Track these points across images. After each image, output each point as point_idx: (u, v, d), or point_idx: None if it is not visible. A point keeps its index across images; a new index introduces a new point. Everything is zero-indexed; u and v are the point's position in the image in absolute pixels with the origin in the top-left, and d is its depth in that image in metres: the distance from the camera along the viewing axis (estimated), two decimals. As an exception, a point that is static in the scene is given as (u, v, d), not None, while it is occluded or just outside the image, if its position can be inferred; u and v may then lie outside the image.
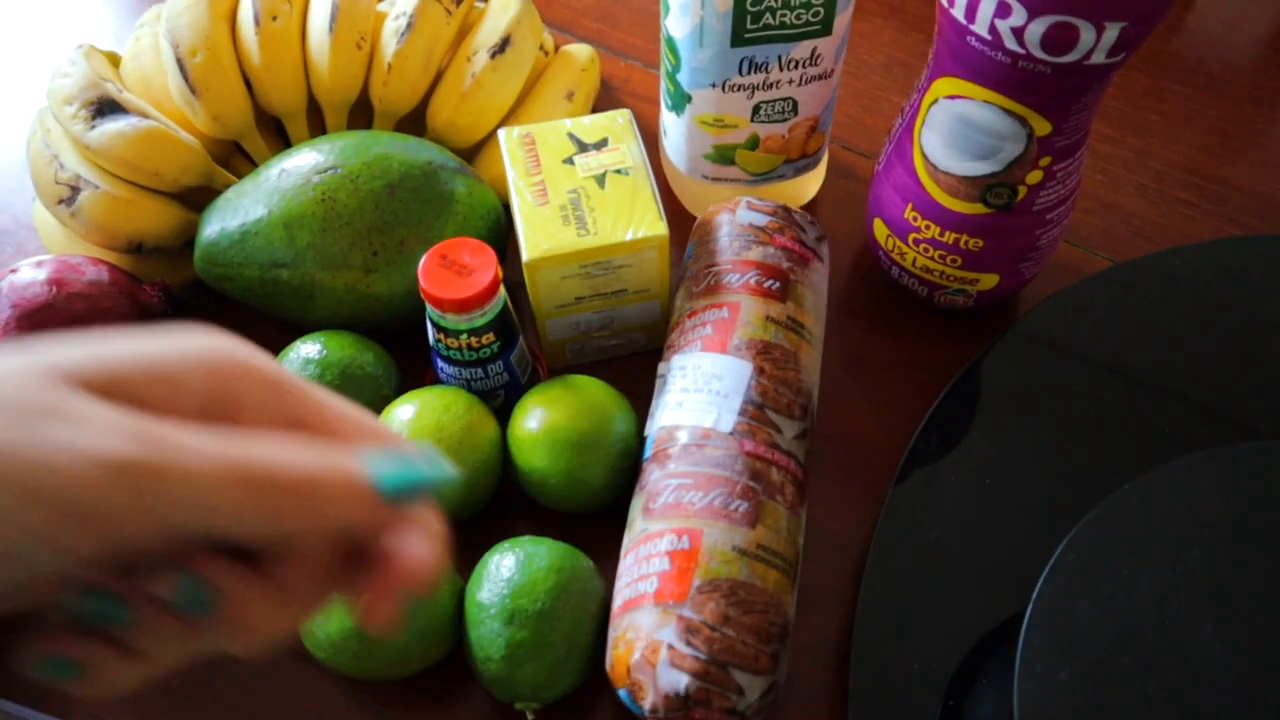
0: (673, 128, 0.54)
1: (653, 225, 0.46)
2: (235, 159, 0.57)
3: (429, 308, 0.44)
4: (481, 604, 0.40)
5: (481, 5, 0.60)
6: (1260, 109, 0.64)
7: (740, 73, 0.49)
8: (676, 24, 0.48)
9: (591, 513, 0.47)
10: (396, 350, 0.53)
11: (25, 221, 0.61)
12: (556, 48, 0.64)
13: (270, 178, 0.49)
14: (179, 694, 0.43)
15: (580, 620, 0.40)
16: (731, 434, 0.41)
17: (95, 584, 0.24)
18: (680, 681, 0.36)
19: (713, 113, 0.51)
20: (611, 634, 0.39)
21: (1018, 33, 0.39)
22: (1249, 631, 0.34)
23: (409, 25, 0.54)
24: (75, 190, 0.50)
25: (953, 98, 0.44)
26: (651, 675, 0.36)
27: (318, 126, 0.58)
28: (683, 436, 0.42)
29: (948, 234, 0.48)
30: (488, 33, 0.56)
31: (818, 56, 0.49)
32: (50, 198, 0.51)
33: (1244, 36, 0.68)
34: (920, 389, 0.52)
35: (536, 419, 0.44)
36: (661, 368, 0.45)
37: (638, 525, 0.41)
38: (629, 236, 0.45)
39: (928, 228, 0.48)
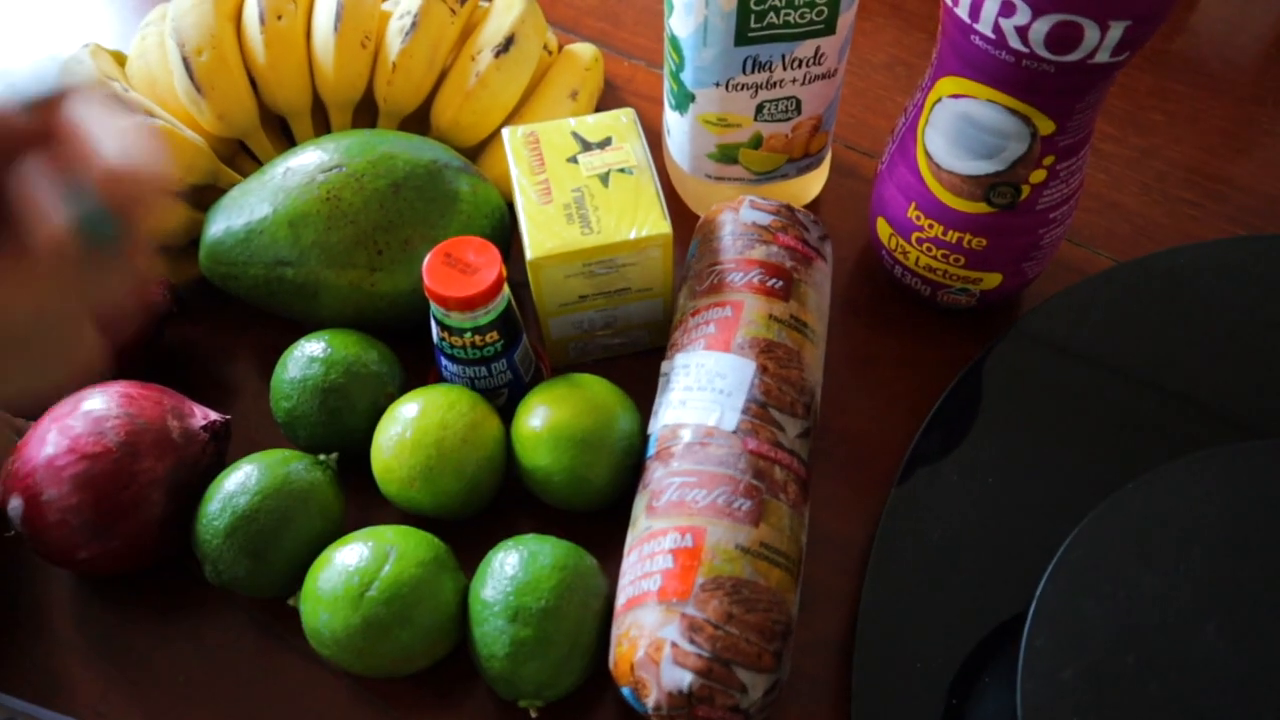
0: (676, 127, 0.54)
1: (656, 224, 0.46)
2: (240, 158, 0.57)
3: (433, 306, 0.44)
4: (485, 602, 0.40)
5: (485, 4, 0.60)
6: (1263, 109, 0.64)
7: (744, 72, 0.49)
8: (680, 23, 0.48)
9: (595, 511, 0.47)
10: (401, 348, 0.54)
11: (30, 220, 0.61)
12: (560, 47, 0.64)
13: (275, 176, 0.49)
14: (183, 691, 0.44)
15: (584, 618, 0.40)
16: (735, 432, 0.41)
17: None
18: (684, 679, 0.36)
19: (716, 112, 0.51)
20: (615, 632, 0.39)
21: (1022, 31, 0.39)
22: (1251, 630, 0.34)
23: (413, 24, 0.54)
24: (81, 189, 0.50)
25: (956, 97, 0.44)
26: (655, 673, 0.37)
27: (322, 125, 0.58)
28: (686, 435, 0.42)
29: (951, 233, 0.48)
30: (492, 32, 0.56)
31: (821, 56, 0.49)
32: (56, 196, 0.51)
33: (1247, 36, 0.68)
34: (922, 388, 0.52)
35: (540, 417, 0.44)
36: (665, 366, 0.45)
37: (641, 523, 0.41)
38: (633, 235, 0.46)
39: (931, 227, 0.49)
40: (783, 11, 0.46)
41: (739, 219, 0.48)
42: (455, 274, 0.43)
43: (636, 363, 0.53)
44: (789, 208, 0.49)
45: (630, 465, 0.45)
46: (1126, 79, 0.66)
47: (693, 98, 0.51)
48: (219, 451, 0.46)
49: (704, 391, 0.42)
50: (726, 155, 0.54)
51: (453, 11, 0.56)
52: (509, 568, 0.40)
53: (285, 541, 0.42)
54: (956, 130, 0.45)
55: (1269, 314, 0.51)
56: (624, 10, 0.71)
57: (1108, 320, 0.52)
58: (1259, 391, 0.49)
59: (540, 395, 0.45)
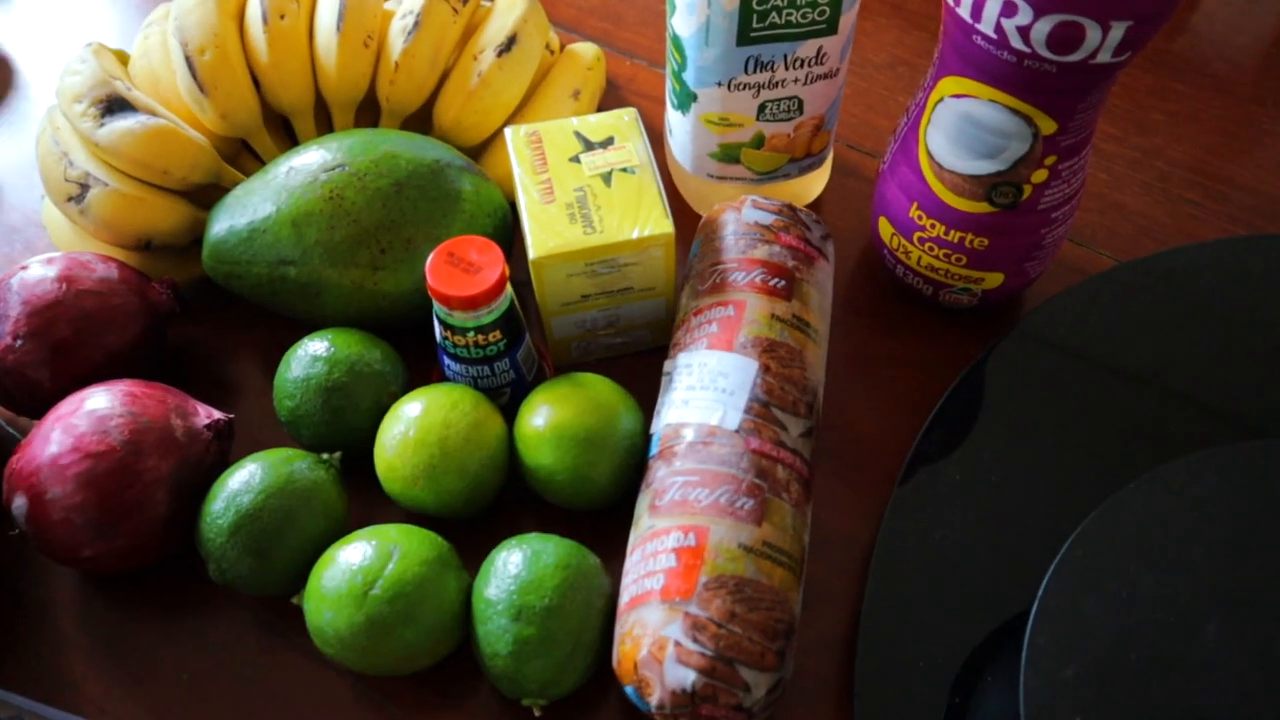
0: (678, 126, 0.54)
1: (659, 223, 0.46)
2: (243, 157, 0.58)
3: (436, 305, 0.44)
4: (489, 600, 0.40)
5: (487, 4, 0.60)
6: (1265, 108, 0.64)
7: (746, 71, 0.49)
8: (683, 23, 0.49)
9: (597, 510, 0.47)
10: (403, 348, 0.54)
11: (34, 219, 0.61)
12: (562, 46, 0.65)
13: (278, 176, 0.49)
14: (186, 689, 0.44)
15: (587, 617, 0.40)
16: (737, 432, 0.41)
17: None
18: (687, 678, 0.36)
19: (718, 111, 0.51)
20: (618, 631, 0.39)
21: (1023, 32, 0.39)
22: (1253, 629, 0.34)
23: (416, 24, 0.54)
24: (84, 188, 0.50)
25: (958, 96, 0.44)
26: (658, 672, 0.37)
27: (325, 125, 0.59)
28: (689, 434, 0.42)
29: (953, 233, 0.48)
30: (494, 31, 0.56)
31: (823, 55, 0.49)
32: (59, 195, 0.51)
33: (1248, 36, 0.69)
34: (924, 387, 0.52)
35: (543, 416, 0.44)
36: (667, 365, 0.46)
37: (644, 522, 0.41)
38: (635, 235, 0.46)
39: (933, 226, 0.49)
40: (785, 11, 0.46)
41: (741, 218, 0.48)
42: (458, 273, 0.43)
43: (639, 362, 0.53)
44: (791, 207, 0.49)
45: (633, 464, 0.45)
46: (1128, 79, 0.66)
47: (695, 97, 0.51)
48: (222, 450, 0.46)
49: (707, 391, 0.43)
50: (728, 155, 0.54)
51: (455, 11, 0.56)
52: (512, 566, 0.41)
53: (289, 540, 0.42)
54: (958, 130, 0.45)
55: (1270, 314, 0.51)
56: (625, 10, 0.71)
57: (1109, 320, 0.52)
58: (1260, 391, 0.49)
59: (543, 394, 0.45)
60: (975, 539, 0.45)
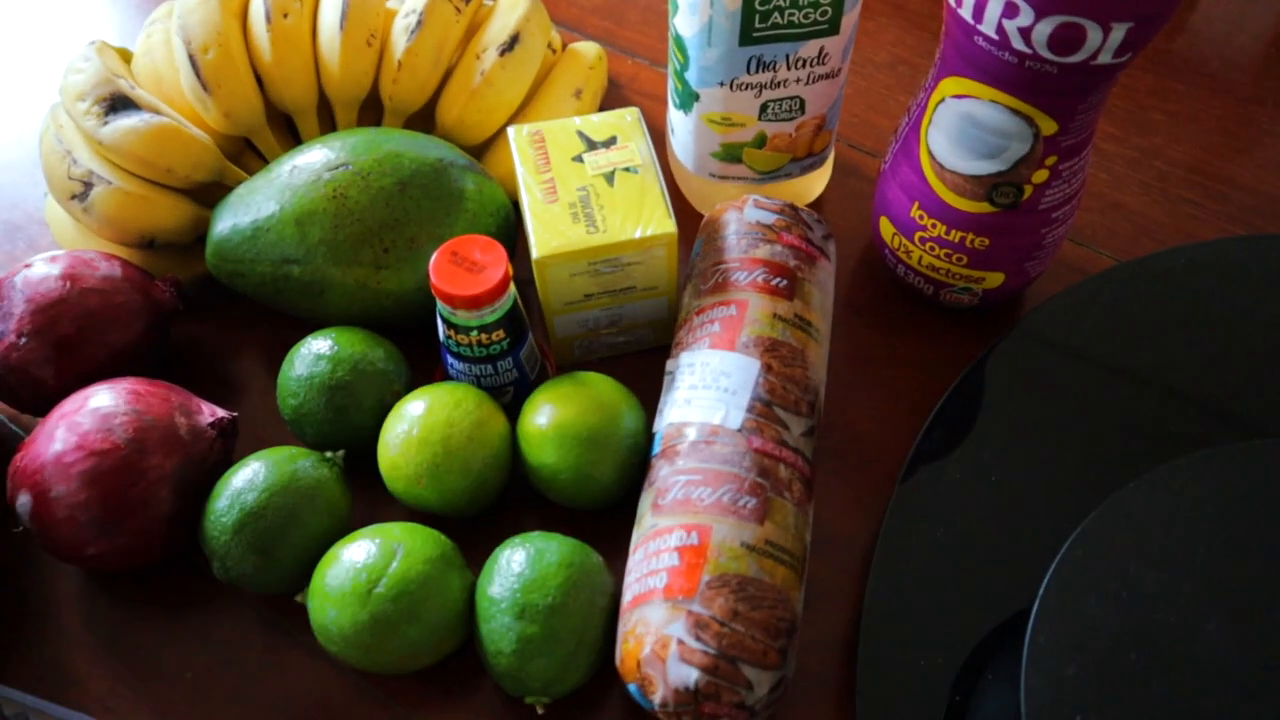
0: (680, 126, 0.55)
1: (662, 223, 0.46)
2: (246, 155, 0.58)
3: (439, 304, 0.44)
4: (492, 599, 0.40)
5: (490, 3, 0.60)
6: (1264, 108, 0.64)
7: (748, 71, 0.49)
8: (685, 23, 0.49)
9: (600, 509, 0.47)
10: (406, 346, 0.54)
11: (37, 217, 0.61)
12: (564, 46, 0.65)
13: (282, 174, 0.49)
14: (190, 686, 0.44)
15: (590, 615, 0.40)
16: (740, 431, 0.41)
17: None
18: (690, 676, 0.36)
19: (720, 111, 0.51)
20: (621, 629, 0.39)
21: (1025, 33, 0.39)
22: (1253, 628, 0.35)
23: (419, 23, 0.54)
24: (88, 186, 0.51)
25: (959, 97, 0.44)
26: (661, 670, 0.37)
27: (328, 123, 0.59)
28: (691, 433, 0.42)
29: (954, 232, 0.48)
30: (497, 30, 0.56)
31: (825, 55, 0.49)
32: (63, 193, 0.51)
33: (1247, 36, 0.69)
34: (925, 387, 0.52)
35: (546, 415, 0.44)
36: (670, 365, 0.46)
37: (647, 521, 0.41)
38: (638, 234, 0.46)
39: (934, 226, 0.49)
40: (787, 12, 0.47)
41: (743, 218, 0.48)
42: (462, 272, 0.43)
43: (641, 361, 0.53)
44: (793, 207, 0.49)
45: (636, 463, 0.45)
46: (1127, 79, 0.66)
47: (697, 97, 0.51)
48: (226, 448, 0.46)
49: (709, 390, 0.43)
50: (730, 154, 0.54)
51: (458, 10, 0.56)
52: (516, 565, 0.41)
53: (292, 538, 0.42)
54: (959, 130, 0.45)
55: (1269, 313, 0.52)
56: (627, 9, 0.71)
57: (1109, 319, 0.52)
58: (1260, 391, 0.49)
59: (546, 393, 0.45)
60: (976, 538, 0.45)
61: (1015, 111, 0.43)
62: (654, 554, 0.39)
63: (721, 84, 0.50)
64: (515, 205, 0.59)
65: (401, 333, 0.53)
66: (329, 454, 0.46)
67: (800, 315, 0.45)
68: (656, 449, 0.43)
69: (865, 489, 0.49)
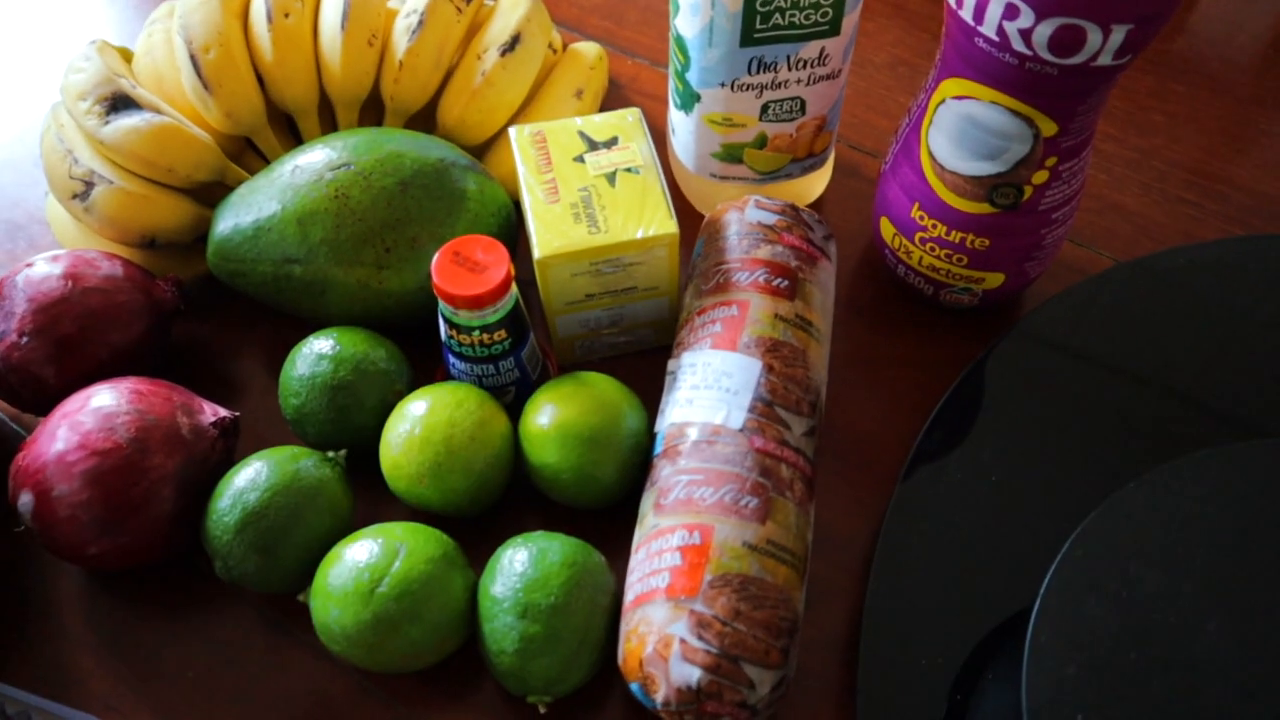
0: (681, 126, 0.55)
1: (663, 223, 0.46)
2: (247, 155, 0.58)
3: (441, 304, 0.44)
4: (495, 598, 0.40)
5: (491, 3, 0.60)
6: (1263, 109, 0.64)
7: (749, 72, 0.49)
8: (686, 23, 0.49)
9: (602, 508, 0.47)
10: (408, 346, 0.54)
11: (38, 216, 0.61)
12: (564, 46, 0.65)
13: (284, 174, 0.49)
14: (192, 686, 0.44)
15: (593, 614, 0.40)
16: (741, 431, 0.41)
17: None
18: (692, 675, 0.37)
19: (721, 112, 0.52)
20: (623, 628, 0.40)
21: (1025, 34, 0.40)
22: (1253, 627, 0.35)
23: (420, 23, 0.54)
24: (89, 185, 0.51)
25: (960, 98, 0.44)
26: (664, 669, 0.37)
27: (329, 123, 0.59)
28: (693, 433, 0.42)
29: (954, 233, 0.48)
30: (498, 30, 0.56)
31: (826, 56, 0.49)
32: (64, 192, 0.51)
33: (1246, 36, 0.69)
34: (925, 387, 0.52)
35: (548, 415, 0.45)
36: (671, 365, 0.46)
37: (649, 521, 0.41)
38: (640, 234, 0.46)
39: (934, 227, 0.49)
40: (788, 13, 0.47)
41: (744, 218, 0.48)
42: (464, 272, 0.43)
43: (642, 361, 0.53)
44: (794, 207, 0.49)
45: (637, 463, 0.45)
46: (1127, 80, 0.67)
47: (698, 97, 0.51)
48: (228, 448, 0.46)
49: (711, 390, 0.43)
50: (731, 155, 0.54)
51: (459, 10, 0.56)
52: (518, 564, 0.41)
53: (295, 538, 0.43)
54: (960, 131, 0.45)
55: (1269, 314, 0.52)
56: (627, 9, 0.72)
57: (1108, 320, 0.52)
58: (1259, 391, 0.49)
59: (548, 393, 0.46)
60: (976, 538, 0.45)
61: (1015, 113, 0.43)
62: (656, 553, 0.39)
63: (722, 85, 0.50)
64: (516, 205, 0.59)
65: (403, 333, 0.53)
66: (331, 454, 0.46)
67: (801, 315, 0.45)
68: (658, 449, 0.43)
69: (866, 489, 0.49)
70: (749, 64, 0.49)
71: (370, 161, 0.48)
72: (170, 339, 0.52)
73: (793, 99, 0.51)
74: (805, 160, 0.55)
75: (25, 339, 0.46)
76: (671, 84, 0.54)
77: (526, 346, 0.47)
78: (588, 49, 0.62)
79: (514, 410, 0.49)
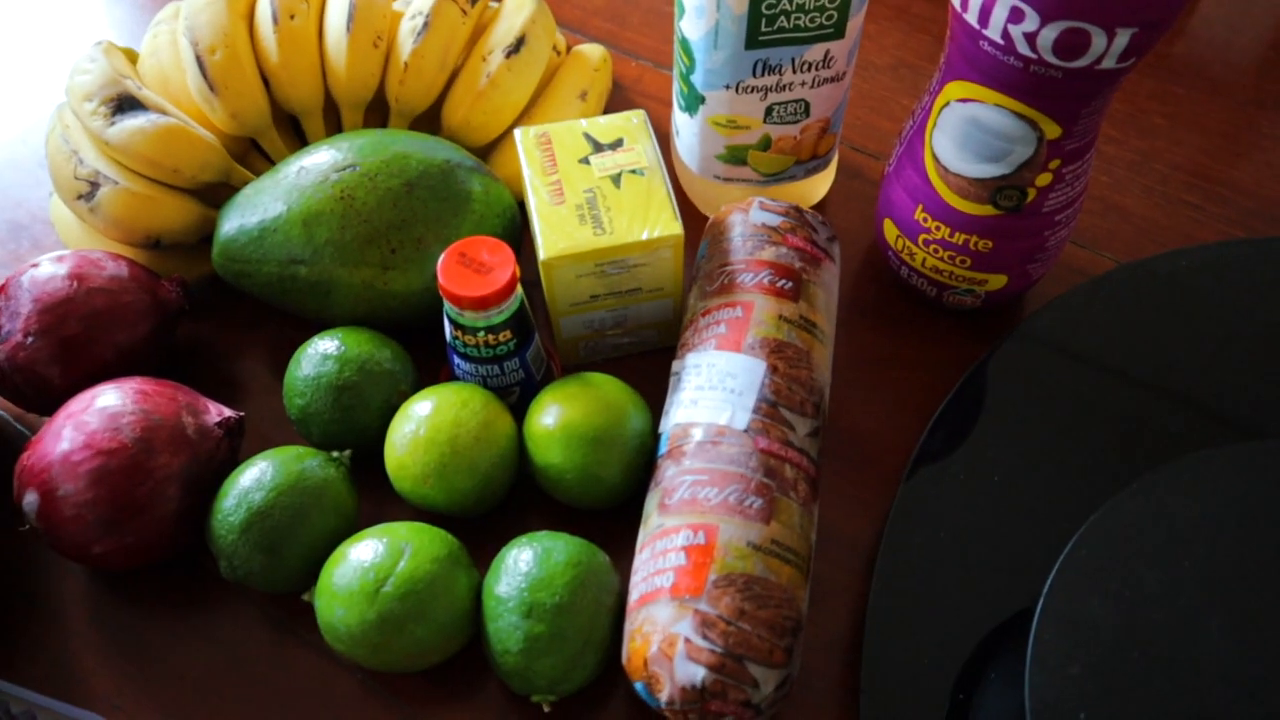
0: (685, 128, 0.55)
1: (668, 225, 0.46)
2: (252, 156, 0.58)
3: (447, 305, 0.44)
4: (499, 598, 0.41)
5: (495, 5, 0.60)
6: (1264, 112, 0.65)
7: (754, 75, 0.49)
8: (691, 26, 0.49)
9: (607, 508, 0.47)
10: (413, 347, 0.54)
11: (42, 216, 0.61)
12: (568, 48, 0.65)
13: (289, 175, 0.49)
14: (197, 685, 0.44)
15: (597, 614, 0.41)
16: (746, 431, 0.42)
17: None
18: (696, 674, 0.37)
19: (726, 114, 0.52)
20: (628, 628, 0.40)
21: (1030, 38, 0.40)
22: (1255, 627, 0.35)
23: (425, 25, 0.55)
24: (94, 186, 0.51)
25: (964, 101, 0.45)
26: (668, 668, 0.37)
27: (334, 125, 0.59)
28: (697, 433, 0.42)
29: (957, 235, 0.49)
30: (503, 32, 0.57)
31: (830, 59, 0.50)
32: (69, 193, 0.51)
33: (1247, 39, 0.69)
34: (928, 388, 0.52)
35: (552, 415, 0.45)
36: (676, 365, 0.46)
37: (653, 521, 0.41)
38: (645, 236, 0.46)
39: (938, 229, 0.49)
40: (793, 15, 0.47)
41: (749, 220, 0.48)
42: (469, 273, 0.43)
43: (646, 362, 0.54)
44: (798, 209, 0.49)
45: (642, 463, 0.45)
46: (1129, 82, 0.67)
47: (703, 100, 0.52)
48: (233, 448, 0.47)
49: (715, 391, 0.43)
50: (735, 157, 0.54)
51: (464, 12, 0.56)
52: (523, 564, 0.41)
53: (300, 537, 0.43)
54: (964, 134, 0.46)
55: (1270, 315, 0.52)
56: (630, 11, 0.72)
57: (1110, 321, 0.52)
58: (1260, 392, 0.49)
59: (552, 394, 0.46)
60: (979, 537, 0.45)
61: (1019, 115, 0.43)
62: (661, 553, 0.40)
63: (727, 87, 0.50)
64: (521, 207, 0.59)
65: (408, 333, 0.53)
66: (336, 454, 0.46)
67: (805, 317, 0.45)
68: (663, 449, 0.44)
69: (869, 489, 0.49)
70: (754, 66, 0.49)
71: (376, 163, 0.49)
72: (175, 339, 0.52)
73: (797, 101, 0.51)
74: (809, 162, 0.55)
75: (30, 339, 0.46)
76: (676, 86, 0.54)
77: (531, 347, 0.47)
78: (592, 51, 0.62)
79: (519, 411, 0.49)
